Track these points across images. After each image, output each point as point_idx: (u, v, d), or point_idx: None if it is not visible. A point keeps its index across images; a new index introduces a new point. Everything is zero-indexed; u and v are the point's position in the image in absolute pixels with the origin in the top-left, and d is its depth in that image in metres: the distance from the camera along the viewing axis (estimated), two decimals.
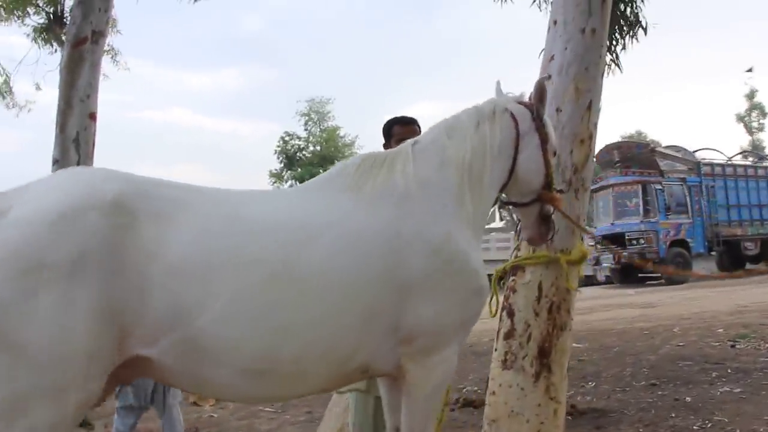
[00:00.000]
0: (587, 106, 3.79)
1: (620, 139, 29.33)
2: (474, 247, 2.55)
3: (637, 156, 22.26)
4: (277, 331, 2.12)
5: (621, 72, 6.58)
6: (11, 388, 1.81)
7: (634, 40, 6.35)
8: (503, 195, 2.91)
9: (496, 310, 3.82)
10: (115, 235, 1.94)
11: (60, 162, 7.59)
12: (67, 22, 7.76)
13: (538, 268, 3.74)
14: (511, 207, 2.99)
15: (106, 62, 10.15)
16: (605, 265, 22.24)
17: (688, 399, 5.44)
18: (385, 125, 3.63)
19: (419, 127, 3.46)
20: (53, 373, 1.83)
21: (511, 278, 3.87)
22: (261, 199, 2.41)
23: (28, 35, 9.21)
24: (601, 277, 24.20)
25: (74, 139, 7.55)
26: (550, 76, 3.01)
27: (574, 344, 8.89)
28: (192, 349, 2.03)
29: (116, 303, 1.92)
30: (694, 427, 4.67)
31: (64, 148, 7.57)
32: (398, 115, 3.65)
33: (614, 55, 6.37)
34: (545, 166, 2.80)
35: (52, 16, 8.44)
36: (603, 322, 11.18)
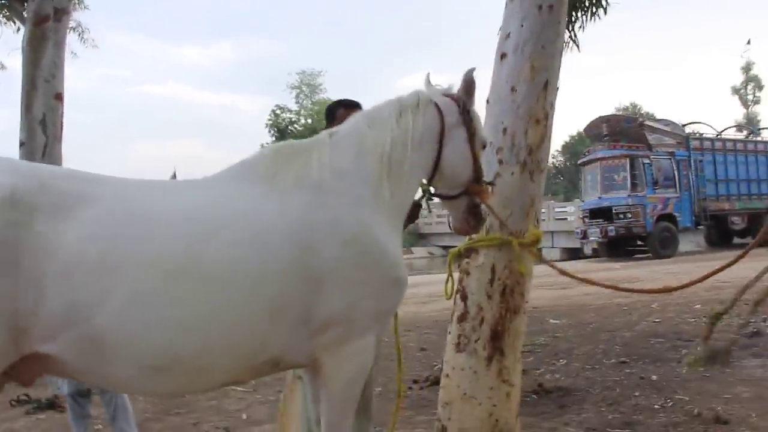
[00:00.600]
0: (543, 86, 3.70)
1: (614, 111, 29.20)
2: (391, 237, 2.50)
3: (625, 130, 22.18)
4: (177, 327, 2.08)
5: (579, 50, 6.47)
6: None
7: (595, 17, 6.22)
8: (431, 187, 2.86)
9: (452, 293, 3.82)
10: (9, 233, 1.90)
11: (26, 144, 7.48)
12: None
13: (491, 250, 3.69)
14: (438, 199, 2.93)
15: (73, 39, 9.94)
16: (592, 239, 22.27)
17: (654, 377, 5.45)
18: (328, 107, 3.56)
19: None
20: None
21: (465, 261, 3.82)
22: (169, 192, 2.35)
23: None
24: (588, 250, 24.27)
25: (41, 121, 7.43)
26: (474, 69, 2.92)
27: (552, 320, 8.96)
28: (91, 346, 2.01)
29: (9, 301, 1.90)
30: (656, 406, 4.68)
31: (30, 129, 7.45)
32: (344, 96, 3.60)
33: (572, 33, 6.24)
34: (473, 159, 2.75)
35: None
36: (583, 297, 11.19)
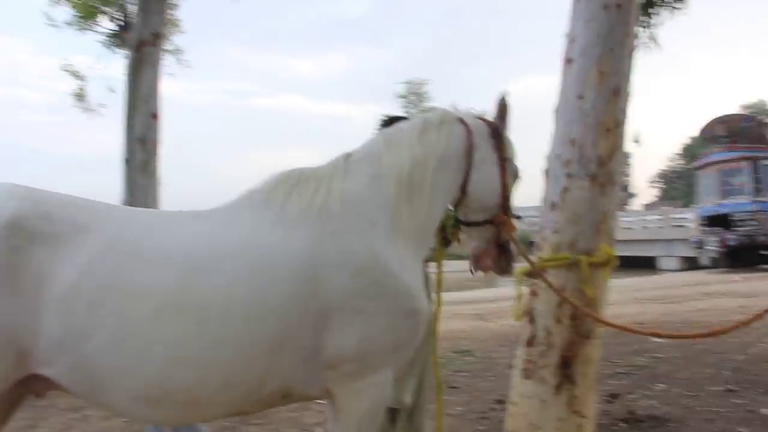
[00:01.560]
0: (613, 92, 3.42)
1: (740, 109, 27.23)
2: (409, 265, 2.35)
3: (744, 130, 20.54)
4: (168, 360, 2.07)
5: (659, 48, 5.91)
6: None
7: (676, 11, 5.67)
8: (456, 212, 2.72)
9: (521, 315, 3.60)
10: (9, 257, 1.96)
11: (129, 161, 7.92)
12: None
13: (560, 270, 3.44)
14: (463, 227, 2.76)
15: (170, 62, 10.45)
16: (710, 248, 20.76)
17: (765, 411, 4.90)
18: (383, 122, 3.45)
19: None
20: None
21: (532, 281, 3.59)
22: (170, 223, 2.32)
23: (101, 42, 9.67)
24: (705, 260, 22.67)
25: (139, 139, 7.85)
26: (507, 93, 2.73)
27: (654, 339, 8.35)
28: (83, 373, 2.05)
29: (12, 322, 1.97)
30: None
31: (131, 147, 7.87)
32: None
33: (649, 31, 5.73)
34: (502, 187, 2.59)
35: (123, 23, 8.79)
36: (694, 313, 10.41)
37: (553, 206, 3.50)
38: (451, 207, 2.68)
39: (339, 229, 2.27)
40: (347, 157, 2.51)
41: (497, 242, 2.68)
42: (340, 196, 2.34)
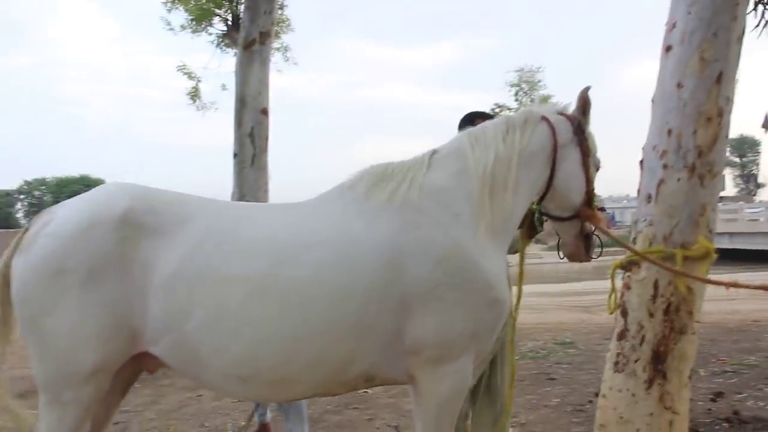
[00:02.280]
0: (716, 79, 3.27)
1: None
2: (491, 257, 2.42)
3: None
4: (256, 343, 2.24)
5: None
6: (44, 370, 2.27)
7: None
8: (540, 207, 2.79)
9: (614, 308, 3.55)
10: (120, 247, 2.22)
11: (238, 155, 8.39)
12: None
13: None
14: (549, 221, 2.84)
15: (278, 59, 10.88)
16: None
17: None
18: (464, 118, 3.52)
19: None
20: (73, 359, 2.22)
21: (626, 274, 3.53)
22: (262, 215, 2.49)
23: (212, 42, 10.26)
24: None
25: (249, 134, 8.29)
26: (589, 87, 2.71)
27: None
28: (183, 351, 2.27)
29: (124, 304, 2.23)
30: None
31: (241, 142, 8.35)
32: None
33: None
34: (586, 182, 2.64)
35: (230, 23, 9.31)
36: None
37: (648, 198, 3.42)
38: (535, 203, 2.75)
39: (422, 220, 2.37)
40: (433, 153, 2.61)
41: (583, 233, 2.76)
42: (424, 188, 2.44)
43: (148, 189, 2.43)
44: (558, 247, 2.98)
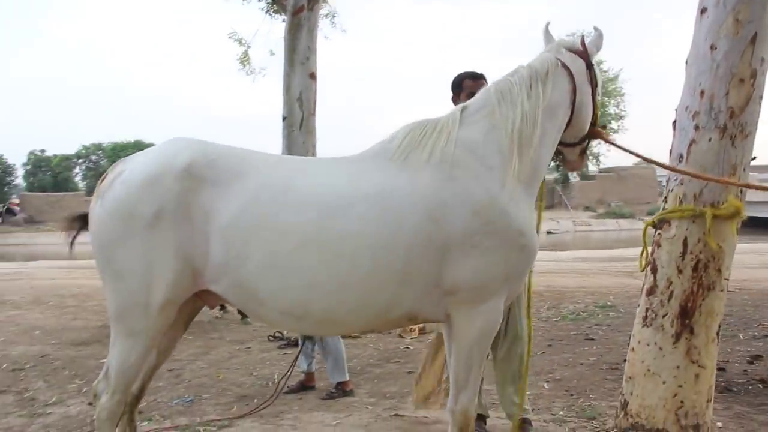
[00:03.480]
0: (750, 40, 3.30)
1: None
2: (521, 206, 2.60)
3: None
4: (307, 287, 2.47)
5: None
6: (117, 302, 2.57)
7: None
8: None
9: (645, 265, 3.67)
10: (184, 196, 2.47)
11: (287, 118, 8.64)
12: None
13: (684, 221, 3.45)
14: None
15: (325, 25, 11.01)
16: None
17: None
18: (455, 79, 3.74)
19: (487, 82, 3.48)
20: (142, 293, 2.51)
21: (657, 232, 3.63)
22: (312, 170, 2.70)
23: (262, 9, 10.47)
24: None
25: (298, 98, 8.52)
26: (596, 30, 2.88)
27: None
28: (241, 290, 2.52)
29: (188, 247, 2.49)
30: None
31: (289, 106, 8.59)
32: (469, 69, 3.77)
33: None
34: (593, 108, 2.90)
35: None
36: None
37: (680, 158, 3.49)
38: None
39: (459, 173, 2.56)
40: (463, 109, 2.78)
41: (584, 149, 3.05)
42: (461, 144, 2.62)
43: (209, 144, 2.67)
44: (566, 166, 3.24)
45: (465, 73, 3.74)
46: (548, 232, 36.19)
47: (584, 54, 2.88)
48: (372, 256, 2.47)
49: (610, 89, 42.81)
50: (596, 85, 2.90)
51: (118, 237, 2.50)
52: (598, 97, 2.94)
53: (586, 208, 44.68)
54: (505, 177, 2.59)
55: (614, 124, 43.08)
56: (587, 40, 2.93)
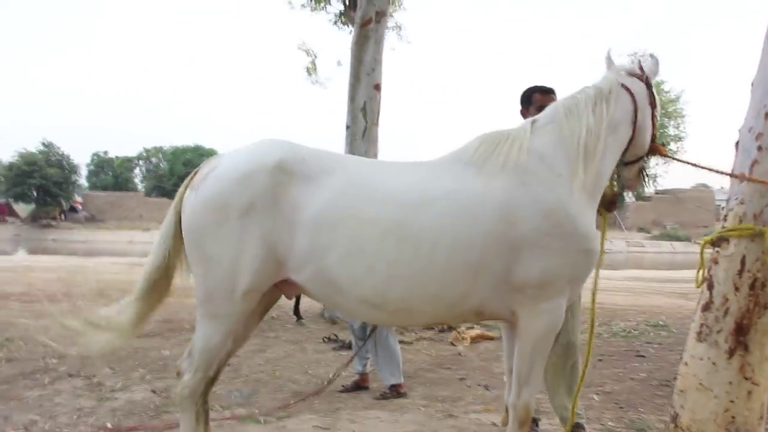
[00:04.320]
0: None
1: None
2: (585, 213, 2.77)
3: None
4: (388, 278, 2.66)
5: None
6: (205, 287, 2.80)
7: None
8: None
9: (701, 282, 3.74)
10: (275, 190, 2.71)
11: (351, 127, 8.93)
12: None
13: (743, 240, 3.51)
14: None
15: (392, 38, 11.30)
16: None
17: None
18: (524, 92, 3.88)
19: (556, 96, 3.62)
20: (229, 279, 2.74)
21: (715, 249, 3.70)
22: (395, 170, 2.90)
23: (330, 20, 10.81)
24: None
25: (362, 108, 8.81)
26: (653, 57, 3.04)
27: None
28: (323, 278, 2.72)
29: (274, 237, 2.71)
30: None
31: (353, 115, 8.88)
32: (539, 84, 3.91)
33: None
34: (653, 126, 3.06)
35: (347, 2, 9.79)
36: None
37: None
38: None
39: (531, 179, 2.74)
40: (534, 122, 2.97)
41: (641, 167, 3.20)
42: (532, 154, 2.81)
43: (297, 144, 2.91)
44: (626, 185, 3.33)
45: (535, 87, 3.89)
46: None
47: (642, 77, 3.05)
48: (449, 251, 2.64)
49: (670, 110, 42.05)
50: (655, 106, 3.05)
51: (211, 226, 2.72)
52: (657, 118, 3.09)
53: (641, 229, 43.87)
54: (572, 185, 2.76)
55: (673, 146, 42.27)
56: (644, 65, 3.08)
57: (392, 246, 2.65)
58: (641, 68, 3.07)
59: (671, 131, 42.32)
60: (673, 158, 3.35)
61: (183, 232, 2.87)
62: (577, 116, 2.88)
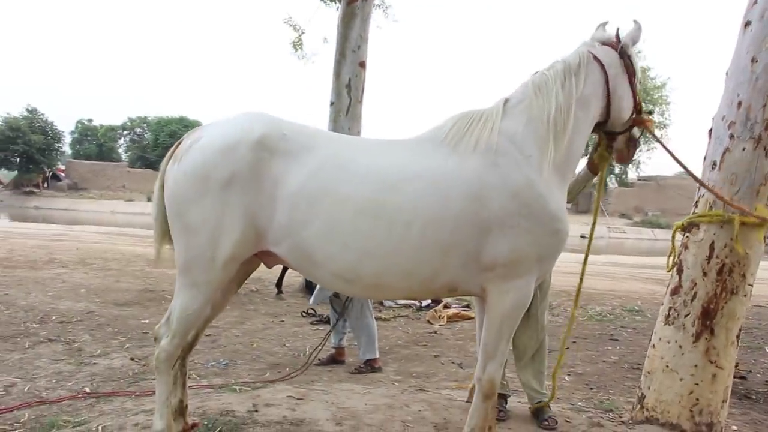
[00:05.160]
0: None
1: None
2: (555, 193, 2.81)
3: None
4: (362, 253, 2.70)
5: None
6: (186, 255, 2.83)
7: None
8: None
9: (672, 266, 3.82)
10: (256, 164, 2.74)
11: (335, 104, 8.90)
12: None
13: (713, 226, 3.60)
14: (606, 135, 3.21)
15: (378, 16, 11.23)
16: None
17: None
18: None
19: None
20: (209, 248, 2.77)
21: (685, 235, 3.78)
22: (373, 148, 2.92)
23: None
24: None
25: (347, 85, 8.78)
26: (635, 23, 3.04)
27: None
28: (300, 251, 2.77)
29: (254, 210, 2.74)
30: None
31: (338, 92, 8.85)
32: None
33: None
34: (633, 96, 3.03)
35: None
36: None
37: (713, 165, 3.63)
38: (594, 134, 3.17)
39: (502, 161, 2.78)
40: (505, 101, 2.99)
41: (631, 139, 3.18)
42: (503, 134, 2.84)
43: (279, 119, 2.92)
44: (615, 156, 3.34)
45: None
46: (582, 236, 35.99)
47: (617, 45, 3.04)
48: (421, 228, 2.68)
49: (656, 97, 42.21)
50: (633, 74, 3.03)
51: (193, 196, 2.75)
52: (637, 86, 3.06)
53: (622, 215, 44.23)
54: (542, 165, 2.80)
55: (657, 132, 42.42)
56: (623, 33, 3.07)
57: (366, 224, 2.69)
58: (617, 37, 3.07)
59: (656, 118, 42.49)
60: (655, 137, 3.34)
61: (165, 203, 2.89)
62: (546, 93, 2.91)
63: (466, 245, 2.72)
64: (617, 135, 3.16)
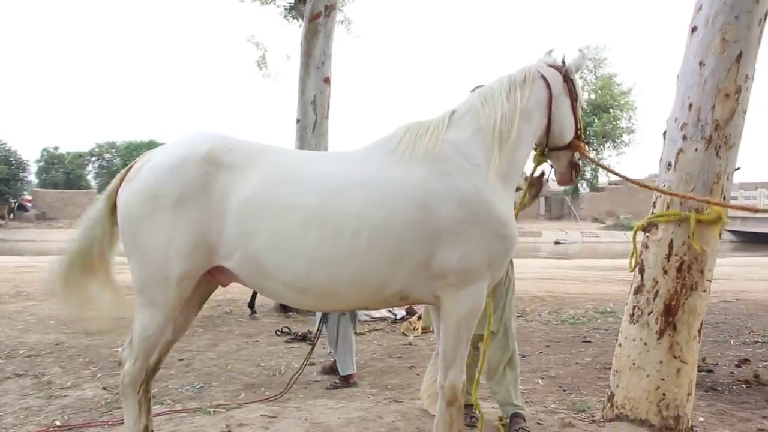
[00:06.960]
0: (736, 58, 3.54)
1: None
2: (502, 199, 2.87)
3: None
4: (310, 261, 2.72)
5: None
6: (141, 275, 2.85)
7: None
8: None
9: (634, 266, 3.91)
10: (203, 179, 2.78)
11: (301, 121, 8.93)
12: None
13: (670, 225, 3.70)
14: (548, 153, 3.27)
15: (341, 32, 11.32)
16: None
17: None
18: (472, 91, 3.93)
19: None
20: (162, 266, 2.79)
21: (645, 235, 3.87)
22: (319, 159, 2.99)
23: (280, 14, 10.79)
24: None
25: (312, 101, 8.82)
26: (580, 51, 3.17)
27: None
28: (251, 264, 2.79)
29: (205, 225, 2.77)
30: None
31: (303, 109, 8.88)
32: None
33: None
34: (575, 121, 3.14)
35: None
36: None
37: (668, 166, 3.74)
38: (537, 146, 3.23)
39: (449, 169, 2.83)
40: (452, 112, 3.06)
41: (572, 162, 3.25)
42: (450, 143, 2.90)
43: (225, 136, 2.96)
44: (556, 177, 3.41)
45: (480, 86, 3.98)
46: (556, 242, 36.39)
47: (562, 68, 3.15)
48: (369, 236, 2.71)
49: (622, 102, 42.99)
50: (575, 98, 3.15)
51: (144, 216, 2.78)
52: (579, 111, 3.18)
53: (595, 220, 44.76)
54: (488, 173, 2.87)
55: (626, 137, 43.20)
56: (568, 59, 3.19)
57: (314, 232, 2.72)
58: (563, 62, 3.18)
59: (623, 123, 43.28)
60: (591, 159, 3.44)
61: (119, 224, 2.92)
62: (492, 104, 2.99)
63: (416, 253, 2.75)
64: (559, 151, 3.22)
